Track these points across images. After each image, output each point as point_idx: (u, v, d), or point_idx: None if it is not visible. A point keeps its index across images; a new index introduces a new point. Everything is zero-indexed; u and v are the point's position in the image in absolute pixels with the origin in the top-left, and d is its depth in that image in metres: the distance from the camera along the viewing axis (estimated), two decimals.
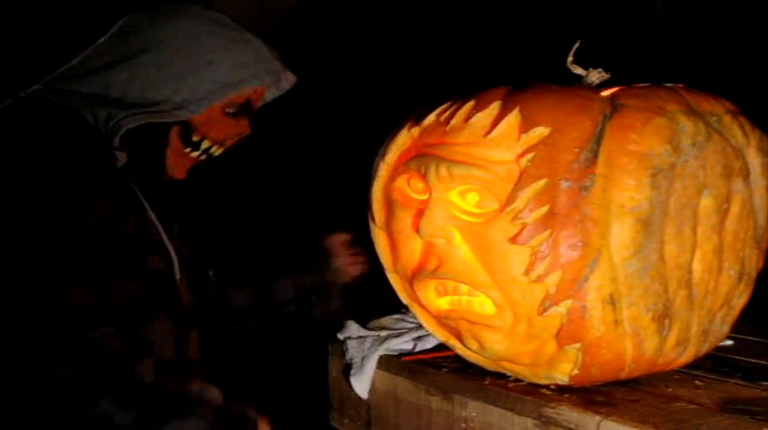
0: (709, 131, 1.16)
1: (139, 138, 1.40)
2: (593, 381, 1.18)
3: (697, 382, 1.23)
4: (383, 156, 1.28)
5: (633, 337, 1.12)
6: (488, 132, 1.14)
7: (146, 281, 1.40)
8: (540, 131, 1.12)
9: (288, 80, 1.52)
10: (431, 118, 1.22)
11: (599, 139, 1.11)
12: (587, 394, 1.16)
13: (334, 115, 2.71)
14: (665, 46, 2.35)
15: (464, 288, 1.17)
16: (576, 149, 1.10)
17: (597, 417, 1.08)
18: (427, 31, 2.70)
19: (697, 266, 1.16)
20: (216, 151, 1.49)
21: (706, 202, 1.15)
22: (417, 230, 1.17)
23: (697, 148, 1.14)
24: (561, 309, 1.10)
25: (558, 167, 1.10)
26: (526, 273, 1.10)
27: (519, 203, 1.10)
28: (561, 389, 1.18)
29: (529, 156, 1.11)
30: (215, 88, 1.41)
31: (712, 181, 1.16)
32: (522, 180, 1.10)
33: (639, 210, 1.09)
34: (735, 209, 1.19)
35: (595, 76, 1.25)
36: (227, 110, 1.45)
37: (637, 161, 1.10)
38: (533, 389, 1.19)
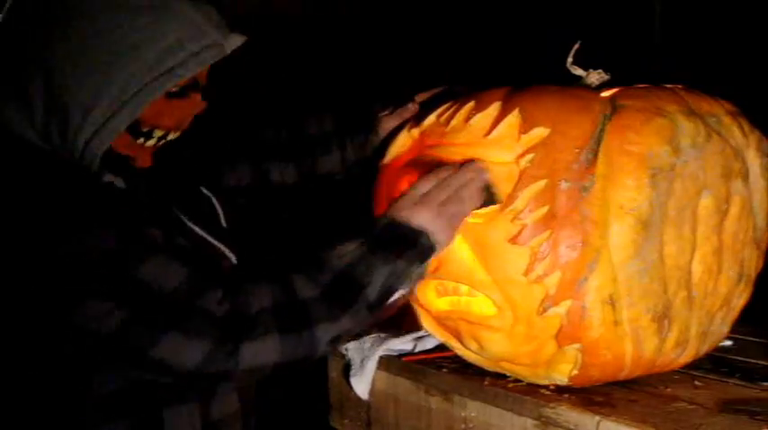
0: (709, 132, 1.16)
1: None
2: (592, 382, 1.18)
3: (696, 383, 1.23)
4: (384, 157, 1.28)
5: (633, 338, 1.12)
6: (488, 133, 1.14)
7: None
8: (539, 132, 1.12)
9: (233, 43, 1.18)
10: (431, 118, 1.22)
11: (599, 140, 1.11)
12: (587, 394, 1.16)
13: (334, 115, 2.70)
14: (665, 46, 2.35)
15: (464, 288, 1.17)
16: (576, 150, 1.10)
17: (596, 417, 1.08)
18: (428, 32, 2.71)
19: (697, 267, 1.16)
20: (173, 135, 1.23)
21: (705, 203, 1.16)
22: None
23: (697, 149, 1.14)
24: (561, 309, 1.10)
25: (557, 168, 1.10)
26: (526, 273, 1.10)
27: (519, 204, 1.10)
28: (561, 390, 1.18)
29: (529, 156, 1.11)
30: (148, 80, 1.12)
31: (712, 182, 1.16)
32: (521, 180, 1.11)
33: (639, 211, 1.09)
34: (734, 210, 1.19)
35: (595, 76, 1.25)
36: (169, 94, 1.16)
37: (637, 161, 1.10)
38: (533, 389, 1.19)
